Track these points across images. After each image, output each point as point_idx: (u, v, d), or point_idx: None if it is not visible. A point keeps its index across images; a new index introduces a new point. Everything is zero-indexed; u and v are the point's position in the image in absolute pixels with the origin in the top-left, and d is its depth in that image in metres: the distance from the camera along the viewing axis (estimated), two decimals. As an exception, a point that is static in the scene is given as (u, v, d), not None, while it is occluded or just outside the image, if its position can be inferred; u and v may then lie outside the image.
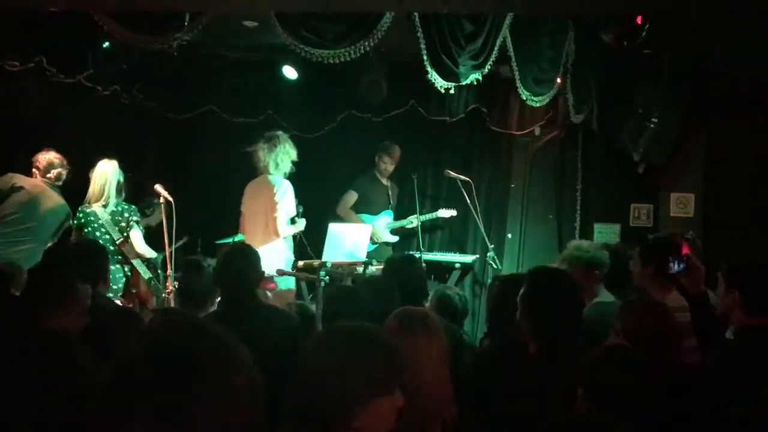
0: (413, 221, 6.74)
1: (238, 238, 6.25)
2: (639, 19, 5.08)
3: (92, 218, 5.35)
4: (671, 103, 6.41)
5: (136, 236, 5.36)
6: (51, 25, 5.28)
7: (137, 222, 5.39)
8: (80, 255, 3.98)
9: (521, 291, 2.86)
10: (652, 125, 6.33)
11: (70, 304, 2.88)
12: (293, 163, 5.99)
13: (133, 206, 5.50)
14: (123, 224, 5.31)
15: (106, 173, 5.41)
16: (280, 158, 5.89)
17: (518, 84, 5.57)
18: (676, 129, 6.61)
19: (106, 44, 5.69)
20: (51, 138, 6.35)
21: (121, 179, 5.48)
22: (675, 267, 3.42)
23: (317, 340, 1.91)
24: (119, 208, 5.35)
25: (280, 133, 6.10)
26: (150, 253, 5.49)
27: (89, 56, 5.75)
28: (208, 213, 7.10)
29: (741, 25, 5.20)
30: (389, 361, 1.77)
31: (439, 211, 6.92)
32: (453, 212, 6.97)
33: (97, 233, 5.31)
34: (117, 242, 5.26)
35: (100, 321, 3.00)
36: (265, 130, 7.30)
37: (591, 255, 3.96)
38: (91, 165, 6.27)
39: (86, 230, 5.33)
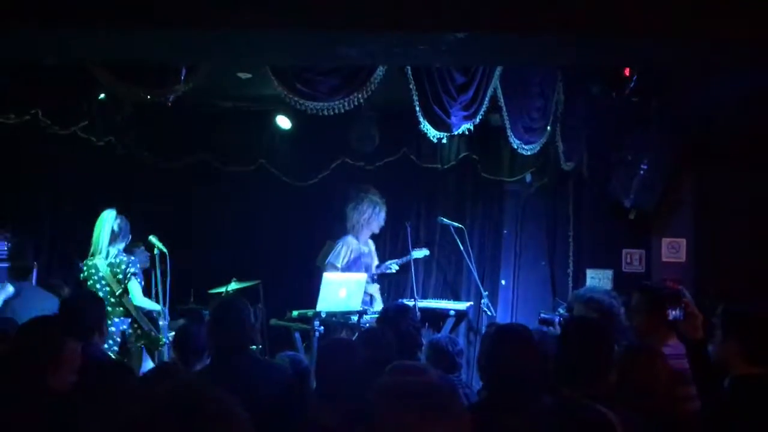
0: (392, 267, 6.72)
1: (231, 287, 6.24)
2: (627, 71, 5.19)
3: (93, 271, 5.35)
4: (660, 149, 6.50)
5: (134, 288, 5.32)
6: (46, 77, 5.33)
7: (134, 274, 5.34)
8: (74, 307, 3.95)
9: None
10: (641, 171, 6.40)
11: (57, 363, 2.83)
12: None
13: (133, 258, 5.47)
14: (120, 276, 5.27)
15: (100, 224, 5.41)
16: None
17: (509, 132, 5.65)
18: (665, 175, 6.69)
19: (102, 96, 5.74)
20: (46, 190, 6.38)
21: (116, 227, 5.44)
22: (673, 314, 3.44)
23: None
24: (117, 260, 5.32)
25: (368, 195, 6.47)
26: (150, 305, 5.46)
27: (84, 108, 5.80)
28: (201, 262, 7.08)
29: (726, 72, 5.32)
30: None
31: (414, 252, 6.86)
32: (425, 251, 6.96)
33: (98, 285, 5.31)
34: (117, 294, 5.22)
35: (93, 375, 2.98)
36: (257, 178, 7.39)
37: (608, 304, 4.00)
38: (86, 215, 6.29)
39: (89, 283, 5.34)
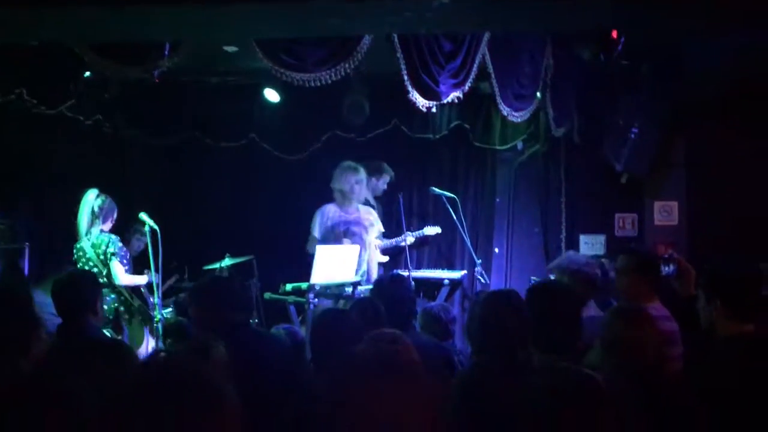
0: (406, 239, 6.69)
1: (225, 262, 6.25)
2: (614, 33, 5.15)
3: (81, 253, 5.39)
4: (651, 112, 6.48)
5: (115, 268, 5.32)
6: (31, 57, 5.28)
7: (114, 254, 5.33)
8: (65, 286, 3.92)
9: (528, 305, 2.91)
10: (632, 135, 6.39)
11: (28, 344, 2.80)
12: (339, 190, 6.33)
13: (114, 236, 5.45)
14: (102, 257, 5.27)
15: (82, 205, 5.41)
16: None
17: (498, 100, 5.62)
18: (656, 138, 6.68)
19: (87, 74, 5.69)
20: (35, 170, 6.35)
21: (97, 207, 5.42)
22: (666, 270, 3.46)
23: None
24: (98, 240, 5.32)
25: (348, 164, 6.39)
26: (137, 280, 5.47)
27: (70, 87, 5.76)
28: (194, 239, 7.08)
29: (715, 33, 5.29)
30: None
31: (426, 228, 6.95)
32: (438, 229, 6.99)
33: (86, 267, 5.33)
34: (105, 274, 5.23)
35: (89, 355, 2.98)
36: (248, 153, 7.35)
37: (585, 272, 3.99)
38: (76, 196, 6.26)
39: (79, 265, 5.38)
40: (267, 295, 5.91)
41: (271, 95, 6.90)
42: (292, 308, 5.96)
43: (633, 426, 2.19)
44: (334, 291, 5.73)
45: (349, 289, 5.66)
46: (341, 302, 5.59)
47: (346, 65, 4.89)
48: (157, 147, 7.32)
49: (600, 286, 4.01)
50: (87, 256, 5.33)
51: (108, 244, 5.31)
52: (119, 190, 7.14)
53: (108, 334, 5.11)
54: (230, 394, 1.21)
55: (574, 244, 7.01)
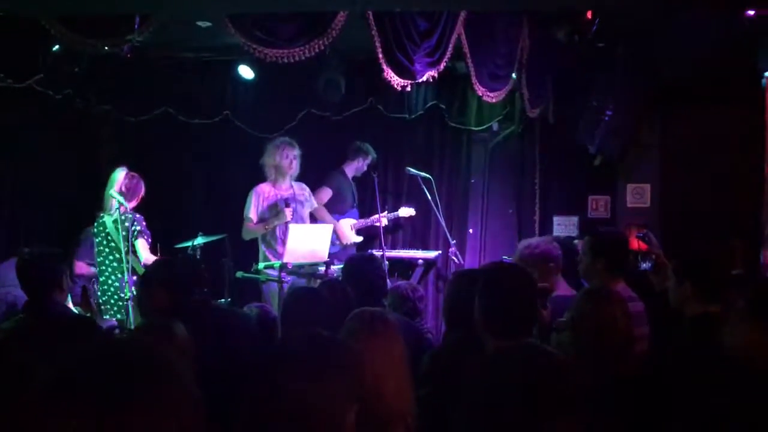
0: (381, 220, 6.66)
1: (197, 241, 6.20)
2: (589, 14, 5.15)
3: (101, 227, 5.39)
4: (625, 95, 6.50)
5: (141, 246, 5.32)
6: (-3, 30, 5.18)
7: (141, 232, 5.34)
8: (30, 263, 3.88)
9: (478, 288, 2.87)
10: (606, 117, 6.41)
11: None
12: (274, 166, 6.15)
13: (138, 215, 5.42)
14: (125, 233, 5.21)
15: (110, 181, 5.43)
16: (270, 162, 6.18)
17: (474, 80, 5.60)
18: (630, 120, 6.72)
19: (56, 47, 5.58)
20: (5, 146, 6.23)
21: (124, 185, 5.41)
22: (644, 265, 3.49)
23: (284, 354, 1.79)
24: (122, 217, 5.29)
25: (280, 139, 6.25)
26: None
27: (39, 60, 5.64)
28: (167, 217, 7.00)
29: (689, 16, 5.30)
30: (358, 368, 1.73)
31: (400, 210, 6.92)
32: (412, 211, 6.97)
33: (104, 242, 5.37)
34: (124, 252, 5.16)
35: (52, 332, 2.95)
36: (223, 130, 7.28)
37: (541, 249, 4.00)
38: (49, 172, 6.17)
39: (98, 240, 5.42)
40: (239, 273, 5.88)
41: (246, 72, 6.83)
42: (264, 287, 5.94)
43: (601, 407, 2.22)
44: (308, 270, 5.71)
45: (322, 268, 5.65)
46: (314, 281, 5.58)
47: (321, 42, 4.85)
48: (130, 123, 7.22)
49: (560, 262, 4.02)
50: (107, 230, 5.34)
51: (133, 222, 5.29)
52: (90, 166, 7.07)
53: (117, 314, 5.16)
54: (184, 375, 1.19)
55: (547, 225, 7.06)
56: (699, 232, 6.20)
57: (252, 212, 6.13)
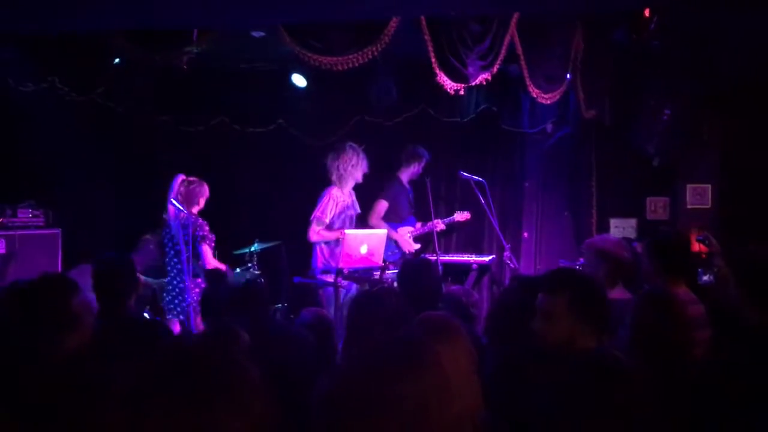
0: (437, 226, 6.64)
1: (254, 247, 6.29)
2: (647, 11, 5.05)
3: (168, 229, 5.54)
4: (683, 94, 6.36)
5: (204, 252, 5.44)
6: (61, 45, 5.34)
7: (203, 237, 5.44)
8: (105, 271, 3.92)
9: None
10: (664, 117, 6.28)
11: (69, 321, 2.81)
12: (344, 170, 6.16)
13: (202, 220, 5.52)
14: (187, 238, 5.33)
15: (171, 188, 5.52)
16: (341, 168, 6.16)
17: (528, 82, 5.56)
18: (689, 120, 6.57)
19: (117, 61, 5.74)
20: (66, 158, 6.42)
21: (184, 190, 5.51)
22: (704, 279, 3.39)
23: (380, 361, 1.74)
24: (186, 222, 5.40)
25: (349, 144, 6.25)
26: (220, 265, 5.55)
27: (101, 74, 5.82)
28: (224, 224, 7.12)
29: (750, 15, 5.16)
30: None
31: (456, 214, 6.87)
32: (467, 215, 6.92)
33: (170, 244, 5.52)
34: (187, 257, 5.29)
35: (125, 336, 3.03)
36: (278, 139, 7.38)
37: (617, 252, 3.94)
38: (109, 182, 6.33)
39: (165, 241, 5.60)
40: (296, 279, 5.95)
41: (299, 80, 6.91)
42: (320, 292, 5.99)
43: (660, 410, 2.17)
44: (362, 275, 5.73)
45: (377, 273, 5.66)
46: (366, 287, 5.60)
47: (374, 49, 4.87)
48: (188, 133, 7.38)
49: (628, 268, 3.94)
50: (172, 233, 5.49)
51: (197, 227, 5.41)
52: (150, 177, 7.24)
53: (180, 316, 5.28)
54: (257, 377, 1.21)
55: (604, 228, 6.94)
56: (760, 234, 6.01)
57: (326, 214, 6.16)
